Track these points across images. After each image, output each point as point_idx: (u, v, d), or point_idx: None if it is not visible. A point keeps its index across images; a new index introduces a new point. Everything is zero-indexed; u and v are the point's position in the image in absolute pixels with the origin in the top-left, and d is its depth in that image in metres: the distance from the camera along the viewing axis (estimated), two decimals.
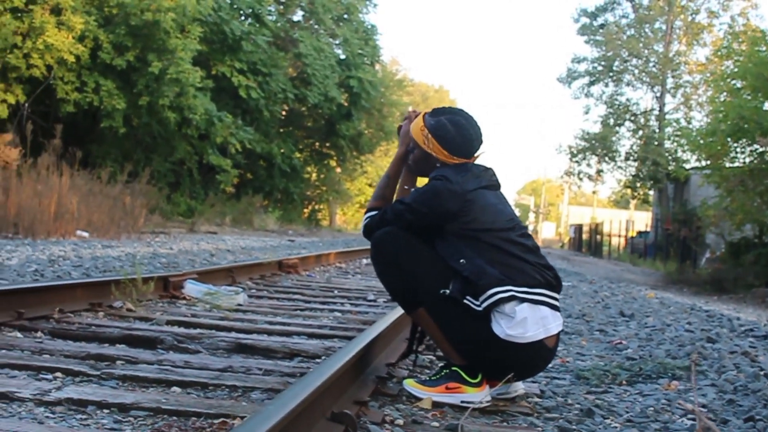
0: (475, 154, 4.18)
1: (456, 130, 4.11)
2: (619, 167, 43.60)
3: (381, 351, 4.70)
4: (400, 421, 3.51)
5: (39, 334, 5.02)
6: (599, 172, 44.92)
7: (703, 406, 4.12)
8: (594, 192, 61.75)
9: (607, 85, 43.87)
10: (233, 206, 32.64)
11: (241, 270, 9.72)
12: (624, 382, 4.82)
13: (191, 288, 7.48)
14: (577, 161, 44.77)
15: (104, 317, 5.92)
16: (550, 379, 4.81)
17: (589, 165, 44.93)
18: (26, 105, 24.23)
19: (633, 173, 42.81)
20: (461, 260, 3.89)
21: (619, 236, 47.94)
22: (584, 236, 53.81)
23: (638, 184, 43.10)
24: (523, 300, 3.81)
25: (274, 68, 33.96)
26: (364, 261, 16.48)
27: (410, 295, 4.03)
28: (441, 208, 3.94)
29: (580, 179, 46.17)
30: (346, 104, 40.20)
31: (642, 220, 59.10)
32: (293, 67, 37.83)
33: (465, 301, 3.86)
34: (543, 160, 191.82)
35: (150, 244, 16.08)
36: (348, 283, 10.79)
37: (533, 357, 3.91)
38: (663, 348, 6.16)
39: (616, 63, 42.98)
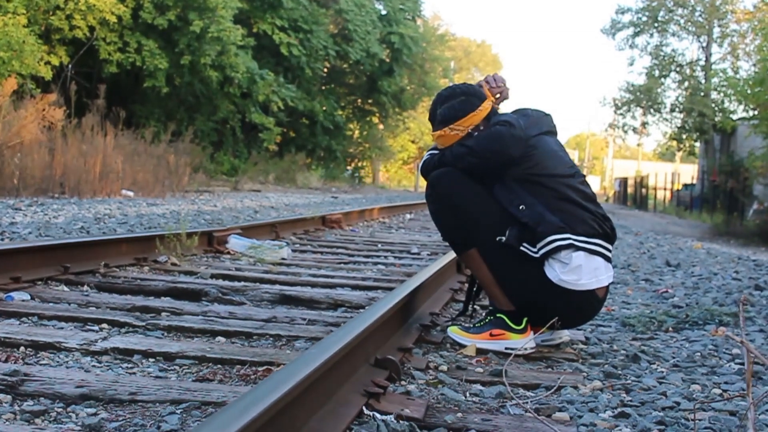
0: (485, 89, 4.12)
1: (448, 100, 4.07)
2: (665, 119, 43.12)
3: (424, 300, 4.69)
4: (444, 367, 3.50)
5: (85, 287, 5.07)
6: (644, 124, 44.43)
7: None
8: (639, 145, 61.13)
9: (651, 36, 43.24)
10: (276, 164, 32.74)
11: (285, 225, 9.74)
12: (670, 329, 4.78)
13: (235, 243, 7.51)
14: (621, 114, 44.31)
15: (149, 271, 5.97)
16: (595, 327, 4.78)
17: (633, 117, 44.47)
18: (70, 66, 24.35)
19: (679, 125, 42.32)
20: (521, 206, 3.84)
21: (665, 189, 47.50)
22: (629, 190, 53.37)
23: (684, 136, 42.59)
24: (580, 248, 3.77)
25: (315, 25, 33.85)
26: (408, 216, 16.47)
27: (463, 236, 4.00)
28: (504, 153, 3.86)
29: (625, 132, 45.72)
30: (387, 60, 40.06)
31: (688, 172, 58.55)
32: (334, 23, 37.69)
33: (521, 248, 3.83)
34: (587, 114, 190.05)
35: (194, 201, 16.18)
36: (392, 237, 10.78)
37: (583, 305, 3.88)
38: (710, 296, 6.10)
39: (661, 13, 42.31)
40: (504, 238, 3.83)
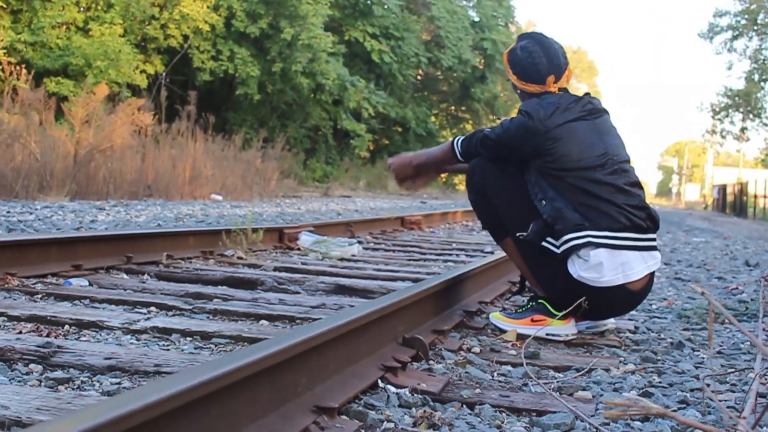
0: (550, 80, 3.93)
1: (523, 54, 3.95)
2: (764, 124, 42.10)
3: (477, 290, 4.69)
4: (477, 349, 3.50)
5: (145, 276, 5.17)
6: (743, 129, 43.41)
7: None
8: (738, 151, 59.83)
9: (750, 39, 42.28)
10: (368, 171, 32.92)
11: (361, 225, 9.78)
12: (726, 321, 4.68)
13: (306, 239, 7.56)
14: (719, 119, 43.42)
15: (214, 264, 6.06)
16: (648, 317, 4.70)
17: (732, 123, 43.50)
18: (164, 74, 24.90)
19: None
20: (543, 201, 3.80)
21: (766, 197, 46.34)
22: (729, 198, 52.21)
23: None
24: (600, 245, 3.68)
25: (407, 32, 34.00)
26: None
27: (497, 225, 4.02)
28: (523, 146, 3.82)
29: (723, 137, 44.78)
30: (480, 67, 40.02)
31: None
32: (426, 30, 37.80)
33: (544, 243, 3.81)
34: (686, 121, 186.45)
35: (279, 204, 16.38)
36: (470, 238, 10.76)
37: (611, 300, 3.79)
38: None
39: (761, 15, 41.35)
40: (525, 234, 3.82)
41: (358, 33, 31.57)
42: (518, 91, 4.03)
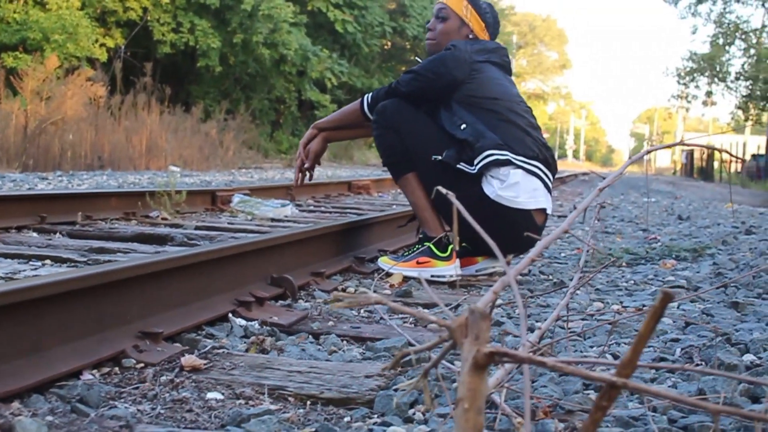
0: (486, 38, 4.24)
1: (489, 8, 4.24)
2: (729, 88, 42.19)
3: (379, 239, 4.76)
4: (352, 290, 3.57)
5: (57, 235, 5.18)
6: (709, 93, 43.49)
7: (687, 278, 4.05)
8: (703, 115, 60.05)
9: (715, 3, 42.31)
10: (335, 143, 32.82)
11: (303, 189, 9.76)
12: (624, 264, 4.77)
13: (236, 201, 7.59)
14: (684, 83, 43.52)
15: (135, 224, 6.07)
16: (549, 263, 4.77)
17: (697, 87, 43.59)
18: (124, 47, 24.77)
19: (744, 94, 41.41)
20: (462, 125, 3.94)
21: (737, 161, 46.60)
22: (697, 163, 52.47)
23: (750, 105, 41.64)
24: (518, 166, 3.85)
25: (370, 1, 33.87)
26: None
27: (403, 158, 4.07)
28: (448, 74, 3.98)
29: (689, 102, 44.93)
30: None
31: (757, 143, 57.39)
32: None
33: (459, 166, 3.90)
34: (656, 87, 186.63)
35: (232, 174, 16.36)
36: None
37: (519, 226, 3.81)
38: (694, 240, 6.04)
39: None
40: (440, 157, 3.90)
41: (321, 3, 31.41)
42: (469, 35, 4.20)
